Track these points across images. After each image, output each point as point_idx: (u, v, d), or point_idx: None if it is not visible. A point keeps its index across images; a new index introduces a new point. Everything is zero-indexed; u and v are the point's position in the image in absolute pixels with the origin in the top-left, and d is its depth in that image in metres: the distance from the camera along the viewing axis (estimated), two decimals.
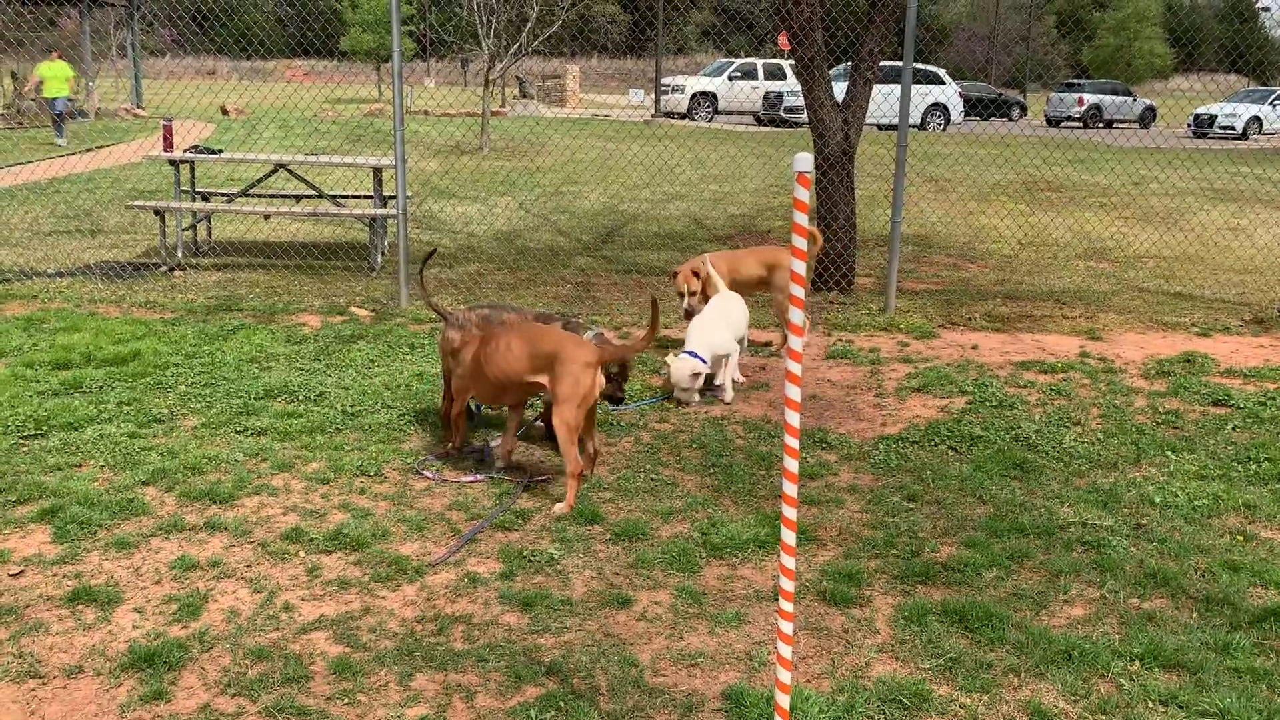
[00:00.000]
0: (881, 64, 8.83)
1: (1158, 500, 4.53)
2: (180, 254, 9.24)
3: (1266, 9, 46.33)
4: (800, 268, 2.31)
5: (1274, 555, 4.03)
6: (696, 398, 5.94)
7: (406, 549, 4.02)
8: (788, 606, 2.50)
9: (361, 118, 26.80)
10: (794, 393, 2.40)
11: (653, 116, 31.50)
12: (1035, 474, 4.86)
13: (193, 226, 9.85)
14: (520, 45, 19.78)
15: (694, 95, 32.00)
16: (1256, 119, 34.63)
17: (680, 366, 5.84)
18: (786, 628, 2.51)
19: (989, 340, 7.44)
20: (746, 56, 33.86)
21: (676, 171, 17.20)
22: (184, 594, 3.62)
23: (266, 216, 9.59)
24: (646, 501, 4.52)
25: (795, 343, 2.39)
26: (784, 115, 29.24)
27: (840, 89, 8.48)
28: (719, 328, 6.07)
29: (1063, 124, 36.99)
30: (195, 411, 5.47)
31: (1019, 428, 5.47)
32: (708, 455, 5.10)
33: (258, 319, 7.44)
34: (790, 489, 2.47)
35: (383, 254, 9.55)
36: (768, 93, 30.72)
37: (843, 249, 8.76)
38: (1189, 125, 34.74)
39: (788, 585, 2.48)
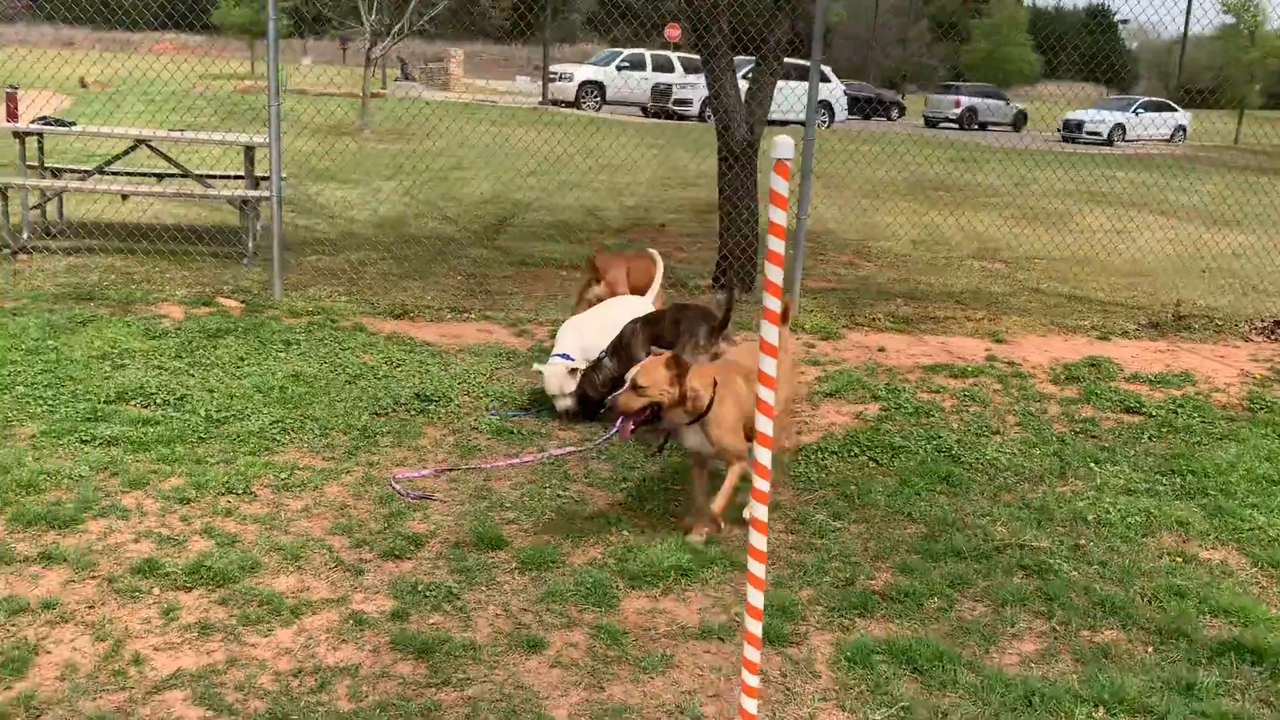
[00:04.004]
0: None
1: (1090, 518, 4.33)
2: (27, 235, 8.36)
3: (1125, 21, 48.45)
4: (779, 246, 1.94)
5: (1216, 578, 3.86)
6: (572, 404, 5.32)
7: (280, 584, 3.50)
8: (754, 655, 2.12)
9: (234, 94, 25.48)
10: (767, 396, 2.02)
11: (540, 103, 30.90)
12: (962, 488, 4.62)
13: (40, 205, 8.94)
14: (404, 24, 18.99)
15: (582, 84, 31.50)
16: (1120, 126, 36.07)
17: (551, 371, 5.33)
18: (752, 681, 2.13)
19: (894, 342, 7.24)
20: (631, 47, 33.53)
21: (568, 160, 16.73)
22: (9, 645, 3.04)
23: (124, 196, 8.76)
24: (555, 522, 4.10)
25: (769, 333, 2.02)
26: (673, 108, 29.01)
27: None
28: (593, 329, 5.58)
29: (940, 125, 37.84)
30: (35, 417, 4.80)
31: (939, 437, 5.23)
32: (618, 469, 4.70)
33: (113, 310, 6.71)
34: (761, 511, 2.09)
35: (255, 239, 8.84)
36: (657, 84, 30.42)
37: (745, 245, 8.46)
38: (1059, 130, 35.91)
39: (755, 628, 2.10)
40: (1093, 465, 4.99)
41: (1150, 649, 3.34)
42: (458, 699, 2.92)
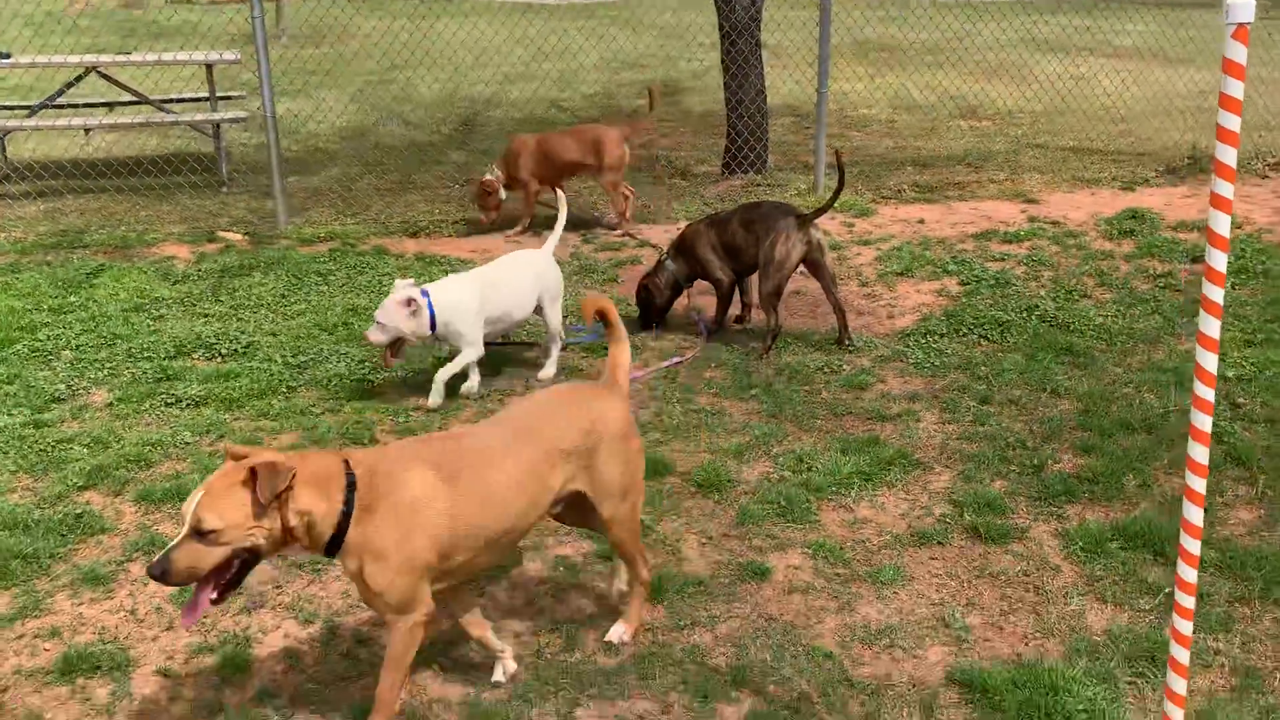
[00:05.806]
0: None
1: (1231, 375, 4.30)
2: None
3: None
4: (1233, 124, 1.72)
5: None
6: (382, 339, 4.13)
7: None
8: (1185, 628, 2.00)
9: (119, 9, 23.69)
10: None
11: None
12: (1089, 357, 4.54)
13: None
14: None
15: None
16: None
17: (390, 299, 4.14)
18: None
19: (929, 213, 7.09)
20: None
21: (506, 51, 15.99)
22: (215, 641, 2.78)
23: (87, 130, 8.05)
24: (705, 439, 3.91)
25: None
26: None
27: None
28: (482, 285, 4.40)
29: None
30: (100, 383, 4.40)
31: (1036, 307, 5.13)
32: (734, 374, 4.51)
33: (113, 255, 6.20)
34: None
35: (226, 164, 8.25)
36: None
37: (756, 125, 8.16)
38: None
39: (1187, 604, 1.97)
40: (1195, 319, 4.95)
41: None
42: (713, 641, 2.77)
